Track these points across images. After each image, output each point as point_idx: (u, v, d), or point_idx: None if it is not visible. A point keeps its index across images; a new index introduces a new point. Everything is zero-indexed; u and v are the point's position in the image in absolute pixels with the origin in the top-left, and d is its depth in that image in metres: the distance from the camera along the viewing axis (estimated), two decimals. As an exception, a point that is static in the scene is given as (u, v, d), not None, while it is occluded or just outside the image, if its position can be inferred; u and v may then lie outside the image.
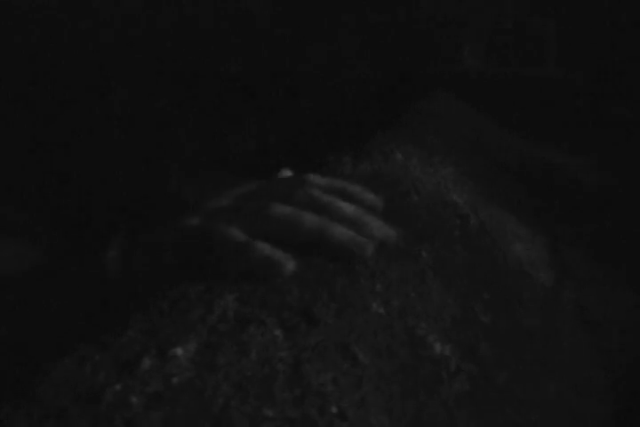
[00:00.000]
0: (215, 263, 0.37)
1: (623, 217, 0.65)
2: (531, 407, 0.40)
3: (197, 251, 0.38)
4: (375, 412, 0.29)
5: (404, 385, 0.32)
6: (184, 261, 0.38)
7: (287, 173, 0.51)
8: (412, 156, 0.56)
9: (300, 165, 0.55)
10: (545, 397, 0.42)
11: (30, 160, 0.59)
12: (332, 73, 1.20)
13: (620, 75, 0.91)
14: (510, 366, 0.41)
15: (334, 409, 0.28)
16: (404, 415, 0.31)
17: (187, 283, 0.36)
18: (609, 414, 0.47)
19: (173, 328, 0.32)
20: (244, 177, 0.70)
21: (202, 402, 0.27)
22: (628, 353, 0.51)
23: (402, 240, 0.41)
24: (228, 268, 0.36)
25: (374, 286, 0.36)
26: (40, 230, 0.58)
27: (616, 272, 0.57)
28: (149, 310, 0.34)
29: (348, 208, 0.40)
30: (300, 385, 0.28)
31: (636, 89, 0.88)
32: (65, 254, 0.52)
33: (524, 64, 0.97)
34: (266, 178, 0.54)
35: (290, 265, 0.35)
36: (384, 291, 0.36)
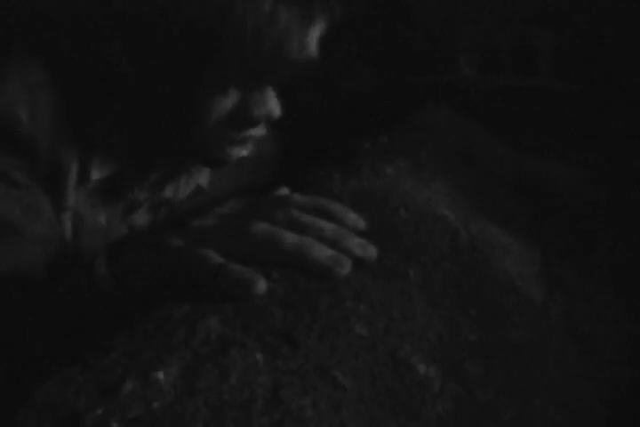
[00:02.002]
0: (197, 284, 0.37)
1: (616, 231, 0.65)
2: (517, 426, 0.41)
3: (180, 272, 0.38)
4: (355, 436, 0.30)
5: (385, 408, 0.32)
6: (169, 282, 0.39)
7: (284, 191, 0.51)
8: (402, 170, 0.56)
9: (293, 180, 0.56)
10: (532, 414, 0.42)
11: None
12: (329, 82, 1.20)
13: (616, 86, 0.92)
14: (496, 384, 0.41)
15: (313, 434, 0.28)
16: (384, 438, 0.31)
17: (172, 303, 0.36)
18: (598, 432, 0.47)
19: (157, 351, 0.32)
20: (239, 190, 0.70)
21: (180, 427, 0.27)
22: (618, 369, 0.51)
23: (388, 259, 0.42)
24: (207, 289, 0.36)
25: (358, 307, 0.36)
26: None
27: (607, 287, 0.57)
28: (134, 331, 0.34)
29: (327, 227, 0.40)
30: (279, 410, 0.29)
31: (632, 100, 0.88)
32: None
33: (519, 74, 0.98)
34: (260, 192, 0.54)
35: (260, 284, 0.35)
36: (368, 312, 0.36)
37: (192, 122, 0.51)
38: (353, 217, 0.43)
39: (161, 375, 0.30)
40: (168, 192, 0.62)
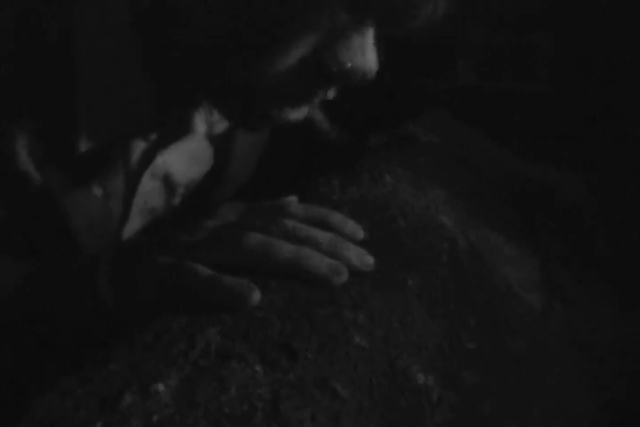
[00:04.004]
0: (192, 299, 0.37)
1: (614, 236, 0.65)
2: (516, 435, 0.41)
3: (174, 287, 0.38)
4: (354, 447, 0.30)
5: (384, 419, 0.32)
6: (166, 297, 0.39)
7: (293, 199, 0.50)
8: (401, 178, 0.56)
9: (292, 187, 0.56)
10: (532, 423, 0.42)
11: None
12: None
13: (614, 90, 0.92)
14: (495, 393, 0.41)
15: (312, 446, 0.28)
16: (383, 449, 0.31)
17: (171, 315, 0.36)
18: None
19: (156, 363, 0.32)
20: (238, 198, 0.70)
21: (180, 441, 0.27)
22: (618, 376, 0.51)
23: (386, 268, 0.42)
24: (203, 302, 0.36)
25: (357, 317, 0.36)
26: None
27: (606, 293, 0.58)
28: (133, 343, 0.34)
29: (323, 237, 0.40)
30: (278, 422, 0.29)
31: (629, 104, 0.89)
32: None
33: (516, 79, 0.98)
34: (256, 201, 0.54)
35: (255, 296, 0.35)
36: (367, 322, 0.36)
37: (259, 65, 0.39)
38: (352, 226, 0.43)
39: (160, 388, 0.30)
40: (161, 160, 0.55)
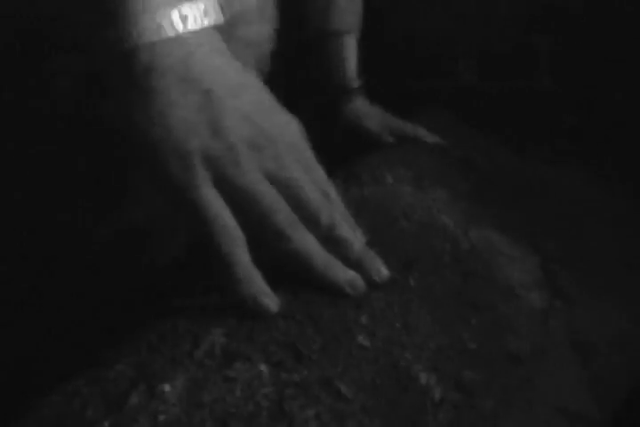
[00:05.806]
0: (210, 268, 0.37)
1: (618, 236, 0.66)
2: (518, 434, 0.41)
3: (200, 244, 0.37)
4: (358, 447, 0.30)
5: (387, 418, 0.32)
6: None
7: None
8: (402, 179, 0.56)
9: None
10: (532, 423, 0.43)
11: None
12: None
13: (616, 90, 0.92)
14: (497, 392, 0.41)
15: (316, 446, 0.28)
16: (387, 449, 0.31)
17: (175, 315, 0.36)
18: (599, 439, 0.47)
19: (162, 363, 0.32)
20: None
21: (186, 440, 0.28)
22: (618, 377, 0.51)
23: (389, 269, 0.42)
24: (218, 282, 0.36)
25: (360, 317, 0.37)
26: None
27: (608, 292, 0.58)
28: (139, 343, 0.34)
29: (356, 246, 0.40)
30: (284, 422, 0.29)
31: (632, 104, 0.89)
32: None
33: (517, 78, 0.98)
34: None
35: (273, 309, 0.35)
36: (369, 322, 0.37)
37: None
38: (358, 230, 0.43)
39: (167, 388, 0.30)
40: None
